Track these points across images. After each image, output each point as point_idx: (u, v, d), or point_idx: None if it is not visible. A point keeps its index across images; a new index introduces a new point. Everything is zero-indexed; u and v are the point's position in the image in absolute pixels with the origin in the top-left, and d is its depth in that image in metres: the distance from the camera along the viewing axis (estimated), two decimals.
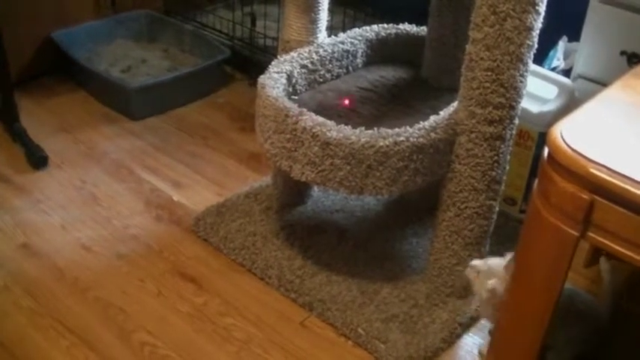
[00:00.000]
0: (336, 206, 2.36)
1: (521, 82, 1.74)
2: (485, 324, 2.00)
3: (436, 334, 1.93)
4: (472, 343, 1.96)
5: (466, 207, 1.88)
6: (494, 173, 1.84)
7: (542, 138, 1.97)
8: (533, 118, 2.15)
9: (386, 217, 2.34)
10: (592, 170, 1.25)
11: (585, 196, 1.26)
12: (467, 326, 2.00)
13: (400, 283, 2.08)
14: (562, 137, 1.31)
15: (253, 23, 3.20)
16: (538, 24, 1.68)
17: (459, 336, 1.97)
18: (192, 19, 3.32)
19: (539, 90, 2.23)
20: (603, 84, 1.76)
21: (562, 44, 2.41)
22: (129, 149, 2.66)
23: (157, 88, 2.85)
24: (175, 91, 2.91)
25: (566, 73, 2.32)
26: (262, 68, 1.99)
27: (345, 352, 1.92)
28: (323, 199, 2.38)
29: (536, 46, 1.72)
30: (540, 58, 2.33)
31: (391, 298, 2.02)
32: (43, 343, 1.89)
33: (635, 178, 1.22)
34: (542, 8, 1.67)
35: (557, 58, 2.39)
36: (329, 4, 2.08)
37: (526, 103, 2.02)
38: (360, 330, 1.93)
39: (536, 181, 1.40)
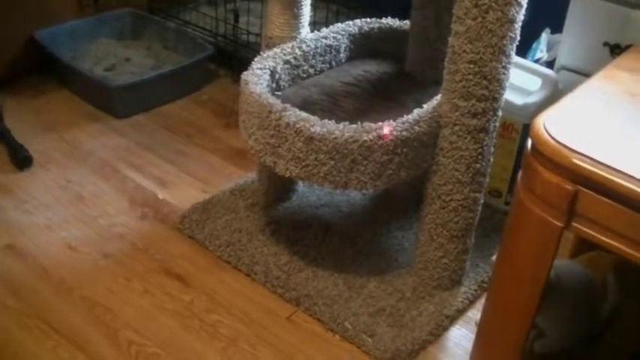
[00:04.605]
0: (322, 201, 2.36)
1: (503, 74, 1.74)
2: (471, 316, 2.01)
3: (423, 326, 1.93)
4: (459, 335, 1.97)
5: (451, 200, 1.88)
6: (478, 165, 1.84)
7: (527, 130, 1.98)
8: (517, 110, 2.16)
9: (372, 212, 2.35)
10: (575, 161, 1.25)
11: (569, 186, 1.27)
12: (453, 319, 2.00)
13: (387, 276, 2.08)
14: (545, 128, 1.32)
15: (236, 20, 3.20)
16: (520, 16, 1.68)
17: (445, 328, 1.98)
18: (176, 17, 3.31)
19: (522, 82, 2.23)
20: (586, 75, 1.77)
21: (545, 36, 2.41)
22: (113, 148, 2.65)
23: (140, 86, 2.84)
24: (159, 88, 2.91)
25: (550, 64, 2.33)
26: (246, 64, 1.99)
27: (333, 347, 1.92)
28: (308, 194, 2.38)
29: (518, 38, 1.73)
30: (524, 50, 2.33)
31: (378, 292, 2.03)
32: (29, 344, 1.88)
33: (618, 168, 1.22)
34: (524, 0, 1.67)
35: (541, 49, 2.40)
36: None
37: (510, 95, 2.02)
38: (347, 324, 1.93)
39: (520, 173, 1.41)
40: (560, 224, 1.31)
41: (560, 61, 2.24)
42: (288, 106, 1.81)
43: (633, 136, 1.35)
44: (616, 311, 1.85)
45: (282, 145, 1.80)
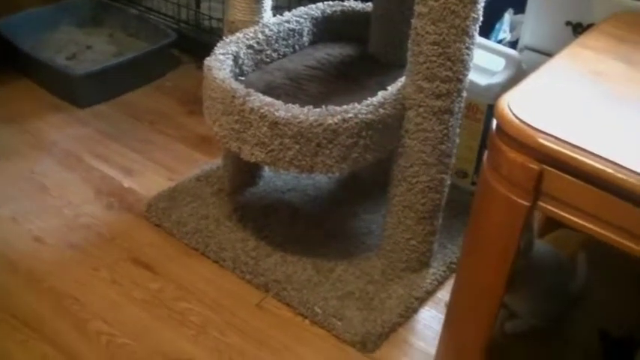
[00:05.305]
0: (288, 186, 2.35)
1: (467, 55, 1.74)
2: (441, 297, 2.02)
3: (392, 309, 1.94)
4: (429, 316, 1.98)
5: (417, 181, 1.88)
6: (444, 147, 1.84)
7: (491, 110, 1.98)
8: (482, 91, 2.16)
9: (338, 195, 2.35)
10: (540, 140, 1.25)
11: (534, 166, 1.27)
12: (423, 300, 2.01)
13: (355, 260, 2.08)
14: (509, 108, 1.32)
15: (198, 5, 3.18)
16: None
17: (415, 310, 1.98)
18: (137, 3, 3.29)
19: (486, 62, 2.23)
20: (549, 55, 1.77)
21: (508, 16, 2.42)
22: (77, 137, 2.63)
23: (103, 74, 2.82)
24: (122, 76, 2.88)
25: (513, 44, 2.33)
26: (209, 50, 1.97)
27: (303, 331, 1.92)
28: (274, 179, 2.37)
29: (481, 18, 1.73)
30: (487, 31, 2.34)
31: (346, 276, 2.03)
32: None
33: (583, 147, 1.23)
34: None
35: (504, 30, 2.41)
36: None
37: (474, 76, 2.03)
38: (316, 308, 1.93)
39: (486, 153, 1.41)
40: (526, 203, 1.31)
41: (524, 41, 2.24)
42: (251, 91, 1.80)
43: (597, 114, 1.35)
44: (585, 289, 1.86)
45: (247, 130, 1.79)
